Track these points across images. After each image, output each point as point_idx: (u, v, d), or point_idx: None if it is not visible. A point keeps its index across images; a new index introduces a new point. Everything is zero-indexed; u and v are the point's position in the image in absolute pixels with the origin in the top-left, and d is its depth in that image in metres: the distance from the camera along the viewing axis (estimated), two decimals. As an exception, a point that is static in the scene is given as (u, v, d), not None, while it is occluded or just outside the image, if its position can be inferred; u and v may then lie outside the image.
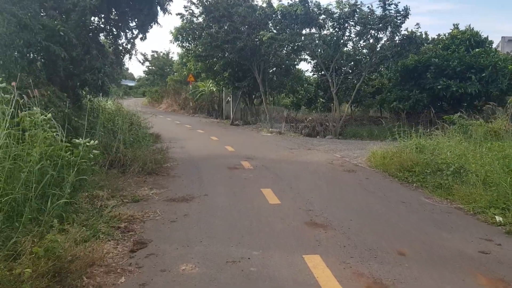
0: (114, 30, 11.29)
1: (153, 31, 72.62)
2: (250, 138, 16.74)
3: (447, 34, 20.27)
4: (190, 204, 6.44)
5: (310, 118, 21.18)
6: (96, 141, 6.45)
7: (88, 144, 5.97)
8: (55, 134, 5.52)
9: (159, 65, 50.56)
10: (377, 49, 17.87)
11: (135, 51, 11.99)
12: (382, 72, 23.85)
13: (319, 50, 18.80)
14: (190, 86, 35.96)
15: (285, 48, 21.90)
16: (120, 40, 11.98)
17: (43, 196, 5.14)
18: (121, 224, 5.43)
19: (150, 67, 53.60)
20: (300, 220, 5.67)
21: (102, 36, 11.31)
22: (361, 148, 14.01)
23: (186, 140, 15.38)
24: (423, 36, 18.97)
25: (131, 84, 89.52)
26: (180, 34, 23.97)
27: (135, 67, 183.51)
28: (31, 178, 4.91)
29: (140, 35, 11.29)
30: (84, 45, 10.02)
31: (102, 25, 10.81)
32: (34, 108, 5.59)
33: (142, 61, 53.77)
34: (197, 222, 5.58)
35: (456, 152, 9.02)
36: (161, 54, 50.86)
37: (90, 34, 10.30)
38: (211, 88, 31.07)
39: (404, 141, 11.27)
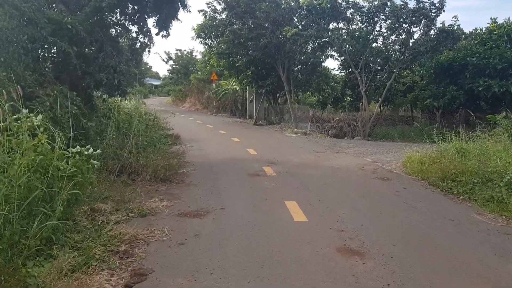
0: (130, 25, 10.62)
1: (177, 30, 72.49)
2: (274, 140, 15.86)
3: (484, 29, 18.90)
4: (204, 221, 5.61)
5: (337, 118, 20.15)
6: (99, 150, 5.70)
7: (86, 152, 5.22)
8: (45, 140, 4.75)
9: (183, 64, 50.13)
10: (410, 45, 16.67)
11: (152, 46, 11.19)
12: (414, 69, 22.59)
13: (347, 46, 17.76)
14: (213, 84, 35.31)
15: (310, 45, 20.92)
16: (138, 36, 11.36)
17: (30, 215, 4.40)
18: (120, 246, 4.64)
19: (174, 66, 53.28)
20: (331, 244, 4.77)
21: (115, 32, 10.63)
22: (393, 152, 12.95)
23: (206, 142, 14.62)
24: (459, 31, 17.67)
25: (157, 83, 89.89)
26: (202, 31, 23.27)
27: (160, 66, 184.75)
28: (13, 194, 4.17)
29: (163, 32, 10.57)
30: (98, 42, 9.36)
31: (115, 20, 10.09)
32: (23, 110, 4.85)
33: (166, 60, 53.70)
34: (210, 245, 4.74)
35: (508, 159, 7.92)
36: (185, 52, 50.44)
37: (104, 30, 9.61)
38: (235, 86, 30.32)
39: (443, 144, 10.20)
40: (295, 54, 20.64)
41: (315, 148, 13.45)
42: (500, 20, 18.77)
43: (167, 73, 64.63)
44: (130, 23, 10.49)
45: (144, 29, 10.87)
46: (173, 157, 10.41)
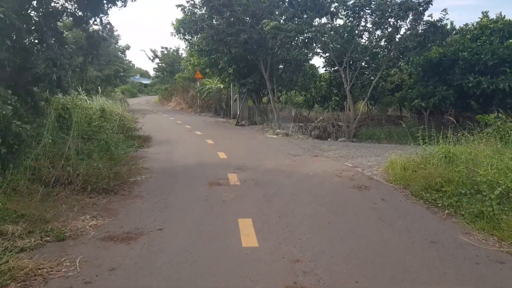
0: (80, 12, 9.51)
1: (164, 27, 71.32)
2: (251, 142, 14.85)
3: (475, 24, 18.00)
4: (131, 247, 4.59)
5: (321, 118, 19.19)
6: None
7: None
8: None
9: (169, 62, 48.93)
10: (396, 40, 15.72)
11: (111, 34, 10.14)
12: (402, 67, 21.68)
13: (331, 42, 16.78)
14: (198, 83, 34.25)
15: (293, 41, 19.94)
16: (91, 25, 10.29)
17: None
18: (9, 286, 3.62)
19: (160, 64, 52.06)
20: (279, 281, 3.76)
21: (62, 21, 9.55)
22: (377, 155, 12.01)
23: (178, 144, 13.59)
24: (449, 26, 16.76)
25: (146, 82, 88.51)
26: (181, 27, 22.20)
27: (146, 64, 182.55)
28: None
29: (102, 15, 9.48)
30: (38, 32, 8.29)
31: (61, 8, 9.01)
32: None
33: (152, 58, 52.46)
34: (124, 284, 3.72)
35: (500, 165, 6.97)
36: (171, 50, 49.23)
37: (46, 19, 8.50)
38: (219, 85, 29.26)
39: (428, 147, 9.27)
40: (276, 50, 19.62)
41: (293, 151, 12.46)
42: (492, 15, 17.92)
43: (154, 72, 62.98)
44: (79, 9, 9.37)
45: (100, 15, 9.79)
46: (130, 163, 9.41)
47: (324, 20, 16.95)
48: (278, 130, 18.49)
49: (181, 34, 22.48)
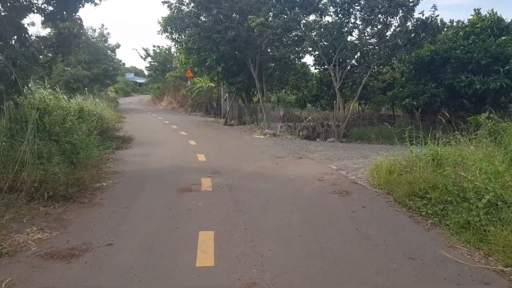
0: (49, 8, 8.96)
1: (155, 25, 70.59)
2: (236, 142, 14.32)
3: (466, 21, 17.53)
4: (71, 266, 4.07)
5: (310, 117, 18.70)
6: None
7: None
8: None
9: (161, 61, 48.29)
10: (387, 37, 15.22)
11: (82, 32, 9.62)
12: (394, 65, 21.20)
13: (320, 40, 16.26)
14: (189, 82, 33.68)
15: (282, 38, 19.45)
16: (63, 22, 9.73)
17: None
18: None
19: (153, 63, 51.40)
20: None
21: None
22: (365, 156, 11.54)
23: (158, 146, 13.05)
24: (439, 23, 16.19)
25: (141, 80, 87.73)
26: (168, 25, 21.59)
27: (140, 63, 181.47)
28: None
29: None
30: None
31: (27, 3, 8.45)
32: None
33: (144, 56, 51.82)
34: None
35: (489, 170, 6.48)
36: (163, 48, 48.59)
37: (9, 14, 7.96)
38: (209, 84, 28.70)
39: (416, 149, 8.80)
40: (263, 48, 19.12)
41: (277, 153, 11.96)
42: (484, 11, 17.42)
43: (146, 71, 62.28)
44: (48, 4, 8.81)
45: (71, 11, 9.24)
46: (101, 166, 8.90)
47: (312, 17, 16.41)
48: (266, 130, 17.99)
49: (168, 33, 21.83)
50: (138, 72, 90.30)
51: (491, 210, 5.28)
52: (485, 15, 16.68)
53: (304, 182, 8.03)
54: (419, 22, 14.63)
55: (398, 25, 15.06)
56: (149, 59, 51.77)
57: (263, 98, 20.43)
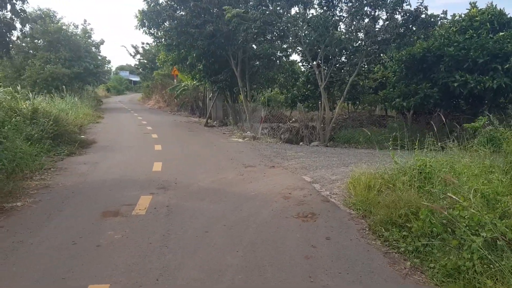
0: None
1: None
2: (207, 148, 12.95)
3: (463, 15, 16.16)
4: None
5: (293, 119, 17.37)
6: None
7: None
8: None
9: (150, 58, 46.80)
10: (375, 31, 13.86)
11: (24, 24, 8.34)
12: (386, 64, 19.87)
13: (304, 35, 14.91)
14: (175, 80, 32.30)
15: (267, 34, 18.11)
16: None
17: None
18: None
19: (142, 60, 49.91)
20: None
21: None
22: (347, 164, 10.23)
23: (117, 151, 11.70)
24: (431, 18, 14.75)
25: (136, 79, 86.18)
26: (145, 19, 20.18)
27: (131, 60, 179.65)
28: None
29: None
30: None
31: None
32: None
33: (133, 54, 50.36)
34: None
35: (486, 191, 5.17)
36: (153, 45, 47.03)
37: None
38: (195, 82, 27.29)
39: (401, 159, 7.50)
40: (240, 42, 17.74)
41: (249, 160, 10.62)
42: (482, 5, 16.03)
43: (135, 68, 60.84)
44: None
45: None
46: (33, 177, 7.58)
47: (295, 9, 15.06)
48: (246, 133, 16.64)
49: (145, 28, 20.41)
50: (133, 70, 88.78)
51: (488, 253, 3.93)
52: (485, 8, 15.31)
53: (265, 201, 6.68)
54: (408, 15, 13.28)
55: (387, 18, 13.72)
56: (138, 56, 50.40)
57: (245, 97, 19.07)
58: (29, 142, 10.39)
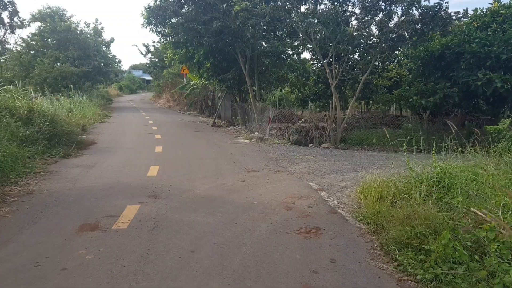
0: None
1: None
2: (211, 150, 12.31)
3: (485, 10, 15.23)
4: None
5: (303, 119, 16.65)
6: None
7: None
8: None
9: (161, 57, 46.39)
10: (390, 27, 13.05)
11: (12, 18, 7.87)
12: (401, 62, 19.03)
13: (313, 31, 14.17)
14: (185, 79, 31.77)
15: (277, 31, 17.43)
16: None
17: None
18: None
19: (153, 59, 49.58)
20: None
21: None
22: (357, 169, 9.52)
23: (115, 153, 11.14)
24: (452, 14, 13.88)
25: (149, 78, 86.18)
26: (152, 17, 19.61)
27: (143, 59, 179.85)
28: None
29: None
30: None
31: None
32: None
33: (144, 53, 50.08)
34: None
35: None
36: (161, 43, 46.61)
37: None
38: (203, 81, 26.68)
39: (417, 165, 6.80)
40: (251, 40, 17.07)
41: (253, 164, 9.96)
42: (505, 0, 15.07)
43: (147, 67, 60.65)
44: None
45: None
46: (19, 183, 7.05)
47: (305, 6, 14.30)
48: (254, 134, 15.98)
49: (152, 25, 19.84)
50: (146, 69, 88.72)
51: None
52: (509, 2, 14.36)
53: (264, 213, 6.01)
54: (426, 10, 12.45)
55: (402, 13, 12.91)
56: (149, 55, 50.08)
57: (253, 96, 18.40)
58: (22, 144, 9.92)
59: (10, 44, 30.67)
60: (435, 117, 16.06)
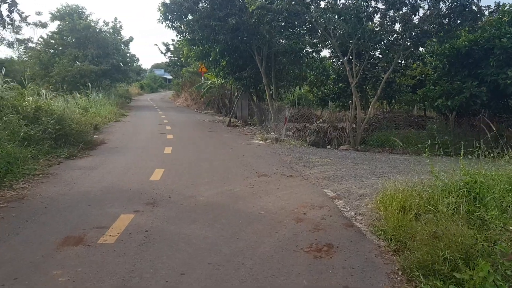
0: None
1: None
2: (222, 151, 11.74)
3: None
4: None
5: (321, 119, 15.95)
6: None
7: None
8: None
9: (179, 55, 46.15)
10: (414, 22, 12.24)
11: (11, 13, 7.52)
12: (425, 59, 18.12)
13: (332, 27, 13.44)
14: (202, 78, 31.31)
15: (296, 27, 16.76)
16: None
17: None
18: None
19: (172, 58, 49.46)
20: None
21: None
22: (378, 174, 8.81)
23: (122, 154, 10.69)
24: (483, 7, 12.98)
25: (170, 77, 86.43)
26: (169, 12, 19.16)
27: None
28: None
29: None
30: None
31: None
32: None
33: (164, 52, 50.04)
34: None
35: None
36: (177, 40, 46.40)
37: None
38: (220, 80, 26.17)
39: (443, 172, 6.09)
40: (273, 39, 16.43)
41: (264, 167, 9.34)
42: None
43: (167, 66, 60.70)
44: None
45: None
46: (14, 186, 6.60)
47: (325, 0, 13.62)
48: (269, 134, 15.36)
49: (168, 21, 19.39)
50: (166, 68, 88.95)
51: None
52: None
53: (271, 225, 5.38)
54: (455, 4, 11.60)
55: (429, 7, 12.09)
56: (169, 54, 50.00)
57: (270, 95, 17.76)
58: (26, 143, 9.53)
59: (33, 43, 30.97)
60: (460, 117, 15.15)
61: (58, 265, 3.99)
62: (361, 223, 5.65)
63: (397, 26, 12.98)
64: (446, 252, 3.86)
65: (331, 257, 4.42)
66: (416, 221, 5.17)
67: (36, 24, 32.92)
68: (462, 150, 6.01)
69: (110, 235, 4.77)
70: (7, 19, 7.94)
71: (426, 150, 6.28)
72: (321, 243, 4.81)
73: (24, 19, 9.12)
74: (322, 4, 13.58)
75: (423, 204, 5.53)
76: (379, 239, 5.05)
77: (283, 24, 14.38)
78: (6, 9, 7.84)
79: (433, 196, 5.66)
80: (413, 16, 12.27)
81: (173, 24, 19.38)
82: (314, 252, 4.55)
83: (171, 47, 48.60)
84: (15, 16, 7.79)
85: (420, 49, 14.68)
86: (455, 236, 4.10)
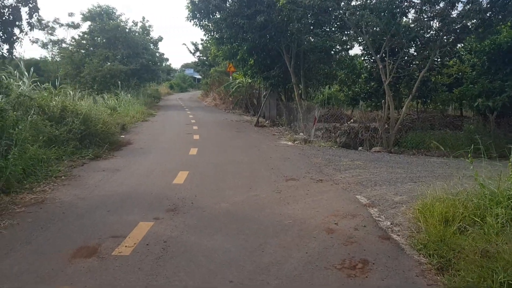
0: None
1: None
2: (249, 152, 11.37)
3: None
4: None
5: (352, 119, 15.36)
6: None
7: None
8: None
9: (208, 55, 46.07)
10: (452, 18, 11.54)
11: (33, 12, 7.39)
12: (462, 57, 17.23)
13: (364, 24, 12.84)
14: (231, 77, 31.08)
15: (327, 25, 16.25)
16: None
17: None
18: None
19: (201, 57, 49.43)
20: None
21: None
22: (415, 179, 8.25)
23: (147, 156, 10.47)
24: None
25: (199, 76, 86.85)
26: (197, 11, 18.92)
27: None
28: None
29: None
30: None
31: None
32: None
33: (193, 51, 50.05)
34: None
35: None
36: (205, 39, 46.23)
37: None
38: (247, 79, 25.82)
39: (488, 180, 5.51)
40: (302, 36, 15.94)
41: (294, 170, 8.90)
42: None
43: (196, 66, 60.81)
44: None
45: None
46: (34, 189, 6.43)
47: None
48: (298, 135, 14.89)
49: (196, 19, 19.16)
50: (195, 67, 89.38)
51: None
52: None
53: (300, 236, 4.96)
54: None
55: (468, 1, 11.36)
56: (198, 53, 50.00)
57: (299, 95, 17.28)
58: (51, 144, 9.41)
59: (66, 43, 31.53)
60: (500, 118, 14.26)
61: (67, 280, 3.68)
62: (399, 235, 5.15)
63: (434, 22, 12.27)
64: (503, 276, 3.35)
65: (366, 276, 3.96)
66: (460, 234, 4.67)
67: (68, 25, 33.61)
68: (510, 155, 5.42)
69: (126, 246, 4.45)
70: (27, 28, 7.78)
71: (469, 155, 5.71)
72: (355, 258, 4.35)
73: (44, 27, 9.02)
74: (354, 1, 13.05)
75: (468, 215, 5.00)
76: (420, 254, 4.55)
77: (312, 21, 13.88)
78: (27, 12, 7.66)
79: (479, 206, 5.12)
80: (451, 11, 11.56)
81: (201, 23, 19.13)
82: (348, 270, 4.09)
83: (200, 47, 48.57)
84: (34, 21, 7.66)
85: (458, 46, 13.89)
86: (511, 256, 3.58)
